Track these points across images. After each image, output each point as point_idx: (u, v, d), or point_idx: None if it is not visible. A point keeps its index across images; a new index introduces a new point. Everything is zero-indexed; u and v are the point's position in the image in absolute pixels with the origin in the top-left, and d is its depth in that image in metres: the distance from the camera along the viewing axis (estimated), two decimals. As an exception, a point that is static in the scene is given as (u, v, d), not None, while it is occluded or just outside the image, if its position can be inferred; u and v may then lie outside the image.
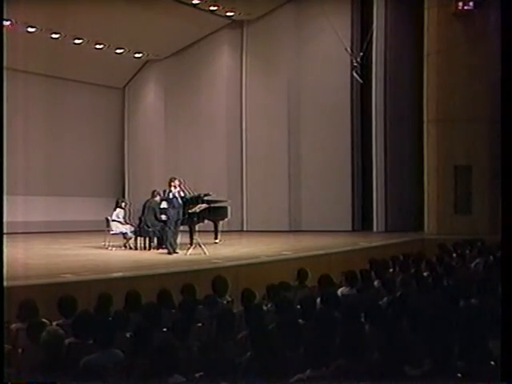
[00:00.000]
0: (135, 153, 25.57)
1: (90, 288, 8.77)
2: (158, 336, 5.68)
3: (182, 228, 14.96)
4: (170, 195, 14.34)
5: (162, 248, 14.79)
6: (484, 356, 4.62)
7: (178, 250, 14.20)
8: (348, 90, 22.23)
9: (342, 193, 22.19)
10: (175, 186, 14.37)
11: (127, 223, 16.10)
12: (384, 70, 21.22)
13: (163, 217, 14.83)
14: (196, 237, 14.52)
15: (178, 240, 14.52)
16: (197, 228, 15.02)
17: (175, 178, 14.60)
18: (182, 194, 14.57)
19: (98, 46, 22.23)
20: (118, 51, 23.02)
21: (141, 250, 15.55)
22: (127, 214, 16.45)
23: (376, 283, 8.94)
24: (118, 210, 16.19)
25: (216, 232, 17.29)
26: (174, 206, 14.34)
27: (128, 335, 5.90)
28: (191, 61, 23.81)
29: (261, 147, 23.13)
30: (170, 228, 14.32)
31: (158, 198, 15.43)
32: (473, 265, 11.37)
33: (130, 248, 15.76)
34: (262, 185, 23.01)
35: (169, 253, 14.15)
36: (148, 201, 15.70)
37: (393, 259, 10.74)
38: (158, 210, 15.20)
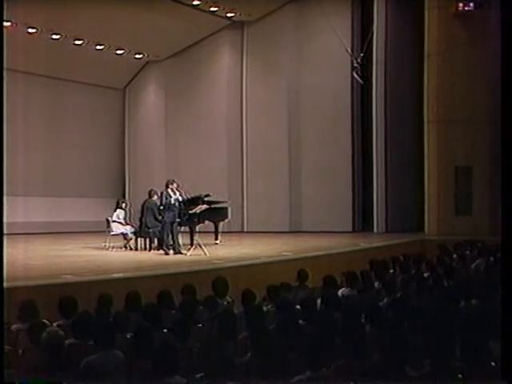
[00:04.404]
0: (136, 153, 25.57)
1: (91, 289, 8.77)
2: (158, 337, 5.68)
3: (182, 229, 14.99)
4: (168, 198, 14.34)
5: (163, 249, 14.81)
6: (484, 357, 4.62)
7: (182, 251, 14.21)
8: (348, 90, 22.22)
9: (342, 193, 22.18)
10: (173, 189, 14.40)
11: (127, 224, 16.10)
12: (384, 71, 21.23)
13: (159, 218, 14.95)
14: (196, 237, 14.54)
15: (180, 241, 14.53)
16: (197, 229, 15.04)
17: (174, 181, 14.63)
18: (180, 198, 14.59)
19: (98, 47, 22.22)
20: (119, 52, 23.02)
21: (141, 250, 15.55)
22: (127, 215, 16.46)
23: (376, 284, 8.94)
24: (119, 210, 16.19)
25: (216, 233, 17.29)
26: (169, 209, 14.37)
27: (128, 336, 5.91)
28: (191, 61, 23.81)
29: (261, 148, 23.13)
30: (165, 230, 14.35)
31: (155, 198, 15.43)
32: (473, 266, 11.36)
33: (131, 249, 15.77)
34: (263, 185, 23.00)
35: (166, 254, 14.18)
36: (146, 201, 15.68)
37: (393, 260, 10.74)
38: (156, 211, 15.21)
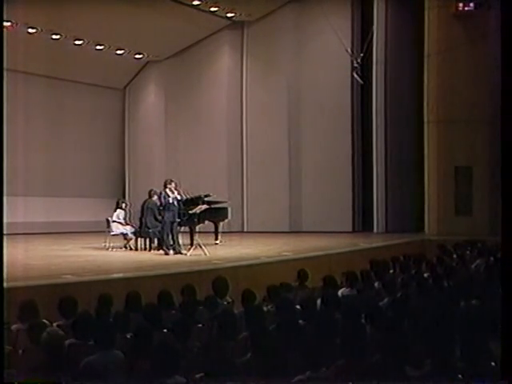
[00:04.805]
0: (135, 153, 25.58)
1: (91, 289, 8.75)
2: (158, 337, 5.68)
3: (182, 229, 14.99)
4: (167, 198, 14.36)
5: (163, 249, 14.81)
6: (484, 357, 4.62)
7: (182, 251, 14.22)
8: (348, 90, 22.22)
9: (342, 193, 22.18)
10: (171, 189, 14.41)
11: (127, 224, 16.11)
12: (384, 71, 21.23)
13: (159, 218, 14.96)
14: (196, 238, 14.55)
15: (180, 241, 14.54)
16: (197, 229, 15.04)
17: (172, 181, 14.63)
18: (179, 197, 14.61)
19: (98, 47, 22.24)
20: (119, 52, 23.03)
21: (141, 250, 15.56)
22: (127, 215, 16.46)
23: (376, 284, 8.94)
24: (119, 210, 16.20)
25: (216, 233, 17.30)
26: (169, 209, 14.38)
27: (128, 336, 5.90)
28: (192, 62, 23.82)
29: (261, 148, 23.13)
30: (165, 230, 14.37)
31: (155, 198, 15.42)
32: (473, 266, 11.36)
33: (131, 249, 15.77)
34: (263, 185, 23.01)
35: (166, 254, 14.19)
36: (146, 201, 15.68)
37: (393, 260, 10.74)
38: (156, 211, 15.20)
